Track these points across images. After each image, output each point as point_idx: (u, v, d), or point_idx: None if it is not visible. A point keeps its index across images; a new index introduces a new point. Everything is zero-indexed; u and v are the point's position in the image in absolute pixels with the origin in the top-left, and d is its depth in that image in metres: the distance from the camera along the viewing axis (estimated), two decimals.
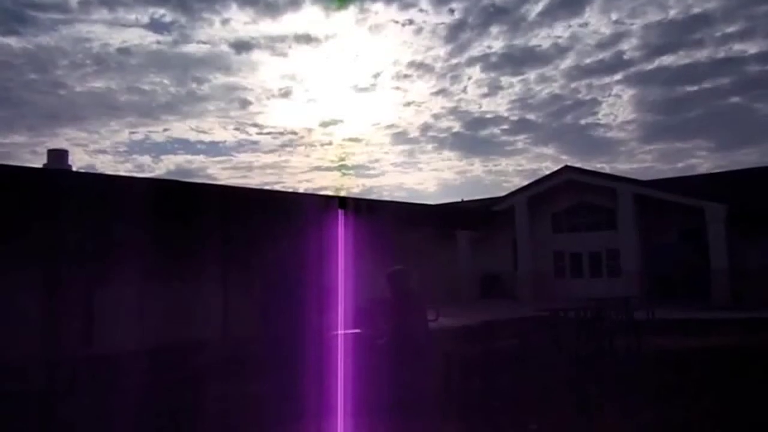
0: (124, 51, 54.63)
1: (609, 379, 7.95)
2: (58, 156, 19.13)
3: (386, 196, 61.55)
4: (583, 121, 58.53)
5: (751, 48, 54.11)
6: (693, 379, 7.61)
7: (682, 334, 12.41)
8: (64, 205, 11.04)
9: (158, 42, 58.04)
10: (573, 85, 57.89)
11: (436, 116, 61.79)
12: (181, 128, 61.06)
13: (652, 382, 7.56)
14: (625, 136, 58.51)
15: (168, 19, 60.49)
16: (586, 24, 55.72)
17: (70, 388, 7.94)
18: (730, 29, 53.71)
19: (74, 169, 19.42)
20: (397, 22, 58.85)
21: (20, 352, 9.82)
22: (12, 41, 53.80)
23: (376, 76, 62.85)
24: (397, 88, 61.54)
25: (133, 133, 60.62)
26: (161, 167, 62.49)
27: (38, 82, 53.61)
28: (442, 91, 60.46)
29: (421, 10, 59.35)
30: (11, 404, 6.54)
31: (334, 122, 69.65)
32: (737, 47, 52.91)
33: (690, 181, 27.01)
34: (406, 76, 60.37)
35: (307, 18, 58.50)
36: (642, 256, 23.94)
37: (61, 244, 11.53)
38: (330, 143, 66.43)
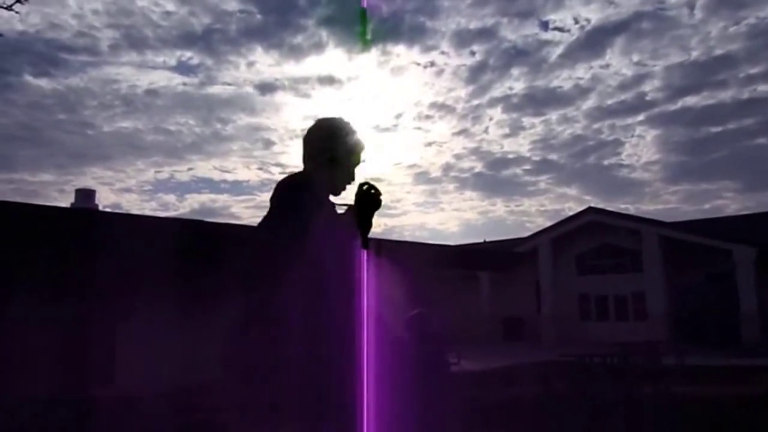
0: (151, 92, 56.05)
1: (634, 429, 7.70)
2: (85, 195, 19.58)
3: (408, 236, 61.48)
4: (606, 162, 58.20)
5: None
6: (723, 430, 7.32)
7: (712, 381, 12.03)
8: (88, 244, 11.19)
9: (185, 84, 59.51)
10: (595, 125, 57.76)
11: (457, 156, 61.97)
12: (205, 168, 62.01)
13: None
14: (649, 177, 57.96)
15: (195, 61, 62.06)
16: (607, 65, 55.84)
17: (83, 427, 7.91)
18: (754, 70, 53.41)
19: (100, 207, 19.82)
20: (418, 64, 59.61)
21: (42, 389, 9.87)
22: (43, 83, 55.45)
23: (398, 116, 63.44)
24: (419, 128, 62.00)
25: (158, 172, 61.69)
26: (185, 206, 63.32)
27: (67, 122, 55.04)
28: (463, 132, 60.74)
29: (442, 53, 60.11)
30: None
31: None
32: (762, 88, 52.53)
33: (717, 223, 26.59)
34: (427, 116, 60.88)
35: (330, 60, 59.63)
36: (669, 299, 23.45)
37: (84, 282, 11.65)
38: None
